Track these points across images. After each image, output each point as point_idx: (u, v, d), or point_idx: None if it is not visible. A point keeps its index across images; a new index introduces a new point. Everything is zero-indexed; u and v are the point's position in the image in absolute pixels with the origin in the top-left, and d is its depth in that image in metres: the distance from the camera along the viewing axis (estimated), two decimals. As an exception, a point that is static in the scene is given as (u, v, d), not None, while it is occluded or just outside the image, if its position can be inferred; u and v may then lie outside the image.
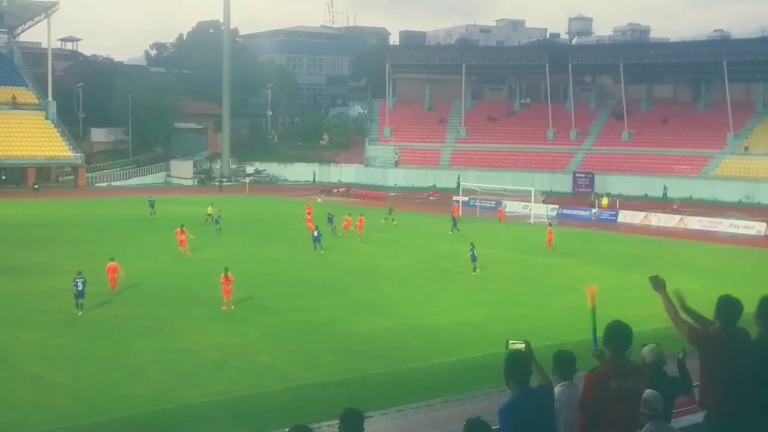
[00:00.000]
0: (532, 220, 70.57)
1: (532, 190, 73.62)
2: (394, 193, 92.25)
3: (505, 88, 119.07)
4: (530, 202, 73.50)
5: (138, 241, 51.84)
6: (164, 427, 20.68)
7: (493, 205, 77.11)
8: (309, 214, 58.77)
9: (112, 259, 35.99)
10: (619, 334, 7.36)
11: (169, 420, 20.62)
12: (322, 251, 48.40)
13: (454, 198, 76.78)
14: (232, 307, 32.95)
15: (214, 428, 20.67)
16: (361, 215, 56.68)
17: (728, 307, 7.72)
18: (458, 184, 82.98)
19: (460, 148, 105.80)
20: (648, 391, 7.48)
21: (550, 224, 54.60)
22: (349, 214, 57.93)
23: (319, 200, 79.33)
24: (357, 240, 54.13)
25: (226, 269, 33.51)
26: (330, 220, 56.74)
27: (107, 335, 28.73)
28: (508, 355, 7.30)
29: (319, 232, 49.37)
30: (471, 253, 42.79)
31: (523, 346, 7.59)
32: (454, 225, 59.40)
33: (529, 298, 36.93)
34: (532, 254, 50.59)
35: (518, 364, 7.19)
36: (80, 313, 31.24)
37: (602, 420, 7.16)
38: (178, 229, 47.48)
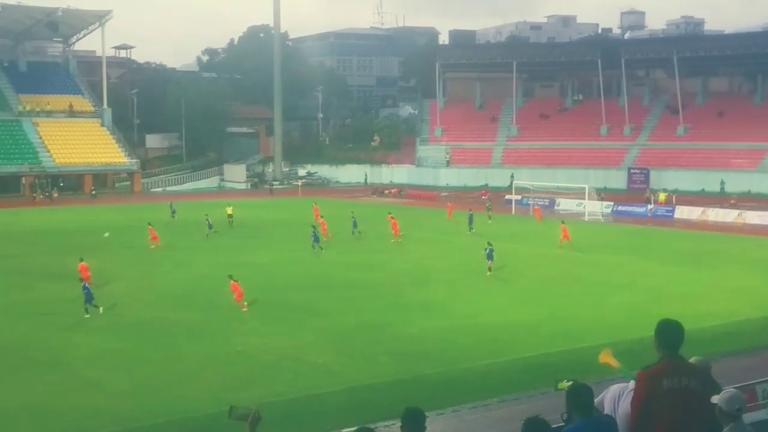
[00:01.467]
0: (586, 218, 69.81)
1: (586, 187, 72.70)
2: (446, 193, 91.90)
3: (556, 85, 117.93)
4: (584, 199, 72.67)
5: (190, 245, 52.40)
6: (219, 429, 20.77)
7: (547, 204, 76.49)
8: (318, 216, 58.75)
9: (81, 260, 37.68)
10: (670, 331, 7.12)
11: (224, 422, 20.68)
12: (321, 249, 48.85)
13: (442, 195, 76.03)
14: (244, 309, 33.07)
15: (270, 430, 20.69)
16: (391, 215, 56.49)
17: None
18: (511, 182, 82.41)
19: (511, 146, 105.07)
20: (731, 390, 7.23)
21: (563, 222, 53.62)
22: (389, 212, 58.02)
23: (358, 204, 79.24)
24: (408, 241, 53.96)
25: (230, 276, 33.95)
26: (354, 224, 56.29)
27: (162, 339, 29.02)
28: (572, 386, 7.09)
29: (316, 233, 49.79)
30: (487, 251, 41.76)
31: (571, 384, 7.38)
32: (470, 223, 58.67)
33: (583, 297, 36.42)
34: (587, 252, 49.95)
35: (582, 394, 6.99)
36: (87, 315, 31.79)
37: (655, 419, 6.95)
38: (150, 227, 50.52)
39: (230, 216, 61.96)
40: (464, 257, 46.94)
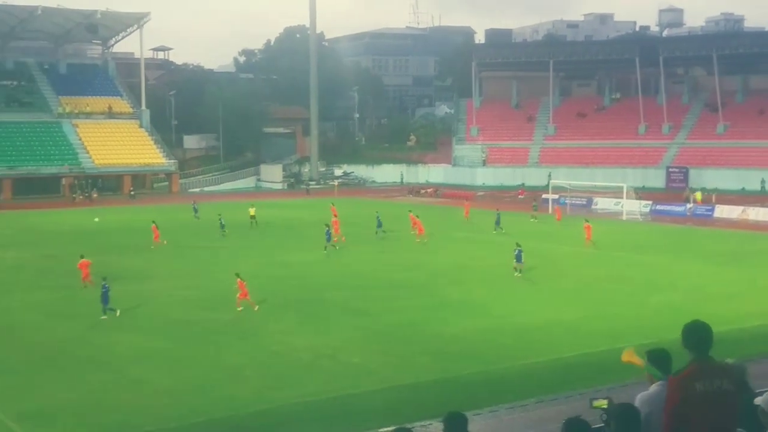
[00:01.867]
0: (624, 217, 69.30)
1: (624, 186, 72.13)
2: (482, 193, 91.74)
3: (594, 83, 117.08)
4: (622, 198, 72.12)
5: (227, 245, 52.79)
6: (260, 428, 20.99)
7: (584, 203, 76.03)
8: (335, 216, 58.80)
9: (82, 257, 38.33)
10: (698, 333, 7.01)
11: (265, 421, 20.90)
12: (334, 247, 49.07)
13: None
14: (239, 308, 33.21)
15: (308, 429, 20.85)
16: (414, 214, 56.39)
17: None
18: (548, 181, 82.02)
19: (548, 145, 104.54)
20: None
21: (586, 220, 53.14)
22: (410, 210, 57.97)
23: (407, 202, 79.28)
24: (445, 240, 53.94)
25: (237, 275, 34.06)
26: (379, 223, 55.85)
27: (203, 338, 29.30)
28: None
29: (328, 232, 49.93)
30: (516, 253, 41.01)
31: (606, 402, 7.36)
32: (497, 223, 58.20)
33: (623, 297, 36.18)
34: (625, 251, 49.60)
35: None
36: (104, 317, 31.84)
37: (690, 424, 6.84)
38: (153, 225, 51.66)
39: (253, 217, 61.73)
40: (503, 257, 46.79)
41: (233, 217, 61.78)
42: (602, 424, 7.15)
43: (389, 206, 67.44)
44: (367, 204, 78.74)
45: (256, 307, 33.39)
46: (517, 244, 41.53)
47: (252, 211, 62.37)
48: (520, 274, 40.48)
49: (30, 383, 23.99)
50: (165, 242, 51.26)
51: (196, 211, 66.97)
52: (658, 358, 7.39)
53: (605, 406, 7.27)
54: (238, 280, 33.68)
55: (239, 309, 33.15)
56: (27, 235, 57.17)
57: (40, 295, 36.94)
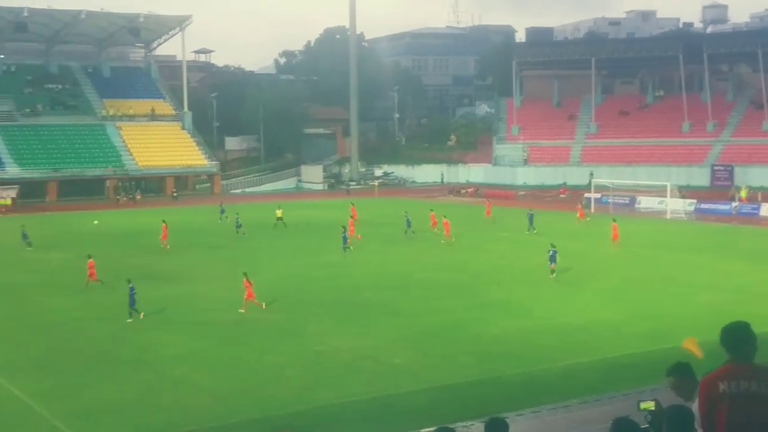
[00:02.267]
0: (668, 216, 68.48)
1: (668, 184, 71.23)
2: (523, 192, 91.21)
3: (636, 81, 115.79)
4: (666, 197, 71.25)
5: (266, 246, 53.01)
6: (301, 428, 21.01)
7: (627, 202, 75.26)
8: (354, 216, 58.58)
9: (89, 257, 39.22)
10: (735, 333, 6.78)
11: (306, 421, 20.93)
12: (350, 248, 48.98)
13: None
14: (242, 310, 33.14)
15: (350, 429, 20.86)
16: (440, 214, 56.20)
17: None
18: (590, 180, 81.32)
19: (590, 144, 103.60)
20: None
21: (614, 219, 52.40)
22: (431, 210, 57.83)
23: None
24: (485, 241, 53.69)
25: (244, 274, 34.09)
26: (408, 223, 55.62)
27: (245, 338, 29.46)
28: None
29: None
30: (550, 254, 40.34)
31: (653, 404, 7.24)
32: (530, 223, 57.43)
33: (667, 297, 35.70)
34: (669, 251, 48.99)
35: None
36: (130, 320, 31.78)
37: (715, 425, 6.64)
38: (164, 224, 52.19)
39: (279, 218, 61.33)
40: (543, 257, 46.45)
41: (269, 217, 62.01)
42: (647, 425, 7.06)
43: (428, 207, 67.16)
44: (408, 205, 78.63)
45: (263, 305, 33.45)
46: (552, 245, 40.77)
47: (279, 212, 62.15)
48: (554, 275, 39.79)
49: (76, 383, 24.30)
50: (168, 247, 51.24)
51: (222, 211, 67.08)
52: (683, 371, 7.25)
53: (653, 408, 7.18)
54: (245, 279, 33.66)
55: (242, 311, 33.04)
56: (71, 236, 57.90)
57: (84, 297, 37.38)
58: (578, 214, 63.71)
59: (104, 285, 38.26)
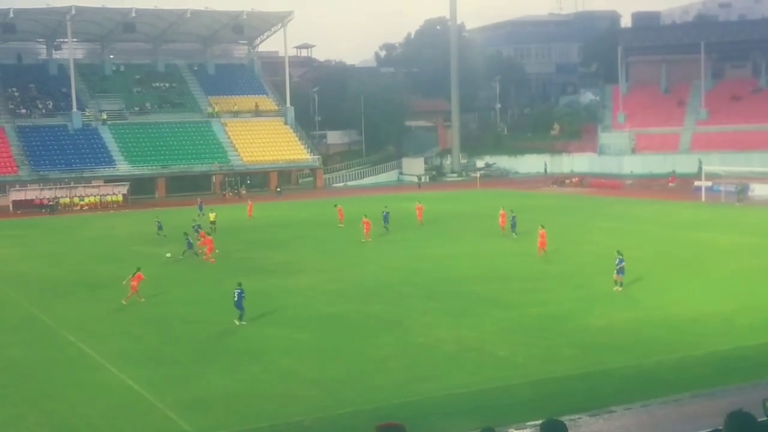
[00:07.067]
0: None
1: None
2: (630, 181, 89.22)
3: (749, 65, 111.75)
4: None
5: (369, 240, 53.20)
6: (406, 419, 20.92)
7: (740, 189, 72.75)
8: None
9: (138, 269, 35.97)
10: None
11: (410, 412, 20.89)
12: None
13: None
14: (124, 302, 34.29)
15: (454, 421, 20.74)
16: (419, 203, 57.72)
17: None
18: (700, 168, 78.89)
19: (700, 130, 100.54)
20: None
21: (542, 226, 44.60)
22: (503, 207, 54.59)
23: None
24: (590, 231, 52.60)
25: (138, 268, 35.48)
26: (513, 225, 51.30)
27: (350, 330, 29.66)
28: None
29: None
30: (618, 264, 34.93)
31: None
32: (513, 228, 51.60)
33: (783, 288, 34.31)
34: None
35: None
36: (238, 323, 30.53)
37: None
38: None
39: (213, 222, 58.47)
40: (651, 248, 45.33)
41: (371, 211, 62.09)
42: (764, 418, 6.75)
43: (532, 198, 66.37)
44: (510, 196, 77.77)
45: (125, 301, 34.36)
46: (619, 253, 35.49)
47: (212, 216, 59.20)
48: (620, 288, 34.53)
49: (187, 373, 24.91)
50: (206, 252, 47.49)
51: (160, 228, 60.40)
52: None
53: None
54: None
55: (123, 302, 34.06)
56: (181, 231, 59.31)
57: (195, 290, 38.34)
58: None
59: (146, 302, 35.49)
